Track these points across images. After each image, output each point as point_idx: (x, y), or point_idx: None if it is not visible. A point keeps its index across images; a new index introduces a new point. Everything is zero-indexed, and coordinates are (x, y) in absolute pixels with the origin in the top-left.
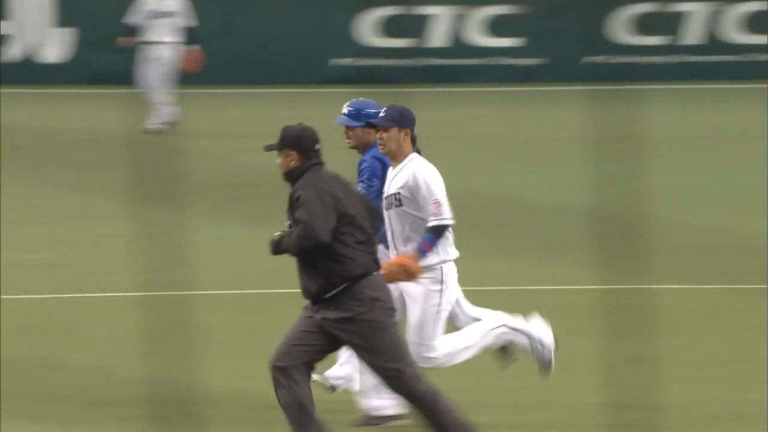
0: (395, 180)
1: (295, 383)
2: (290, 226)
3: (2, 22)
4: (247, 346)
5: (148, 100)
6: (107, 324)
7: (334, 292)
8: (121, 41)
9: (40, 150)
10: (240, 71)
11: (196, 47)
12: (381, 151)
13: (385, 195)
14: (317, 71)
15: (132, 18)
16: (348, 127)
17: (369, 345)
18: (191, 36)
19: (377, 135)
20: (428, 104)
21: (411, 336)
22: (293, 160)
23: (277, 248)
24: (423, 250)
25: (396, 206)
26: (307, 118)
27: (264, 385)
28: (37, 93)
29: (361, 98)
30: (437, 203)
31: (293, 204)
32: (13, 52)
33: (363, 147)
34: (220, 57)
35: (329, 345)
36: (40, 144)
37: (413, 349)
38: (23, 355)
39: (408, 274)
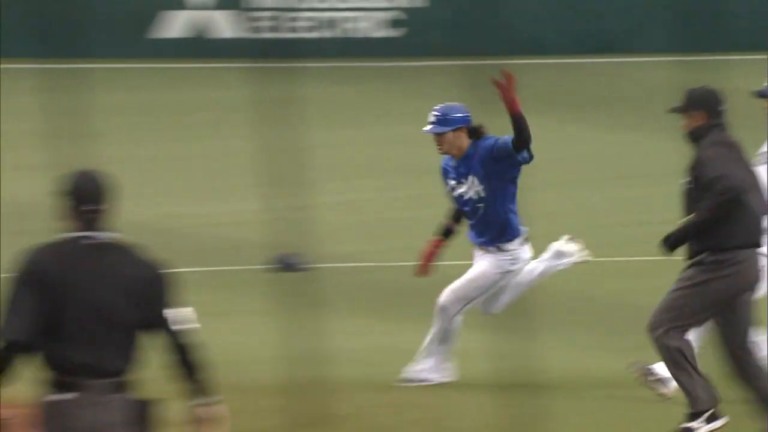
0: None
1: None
2: (687, 183)
3: None
4: None
5: None
6: None
7: (703, 255)
8: None
9: None
10: None
11: None
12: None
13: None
14: None
15: None
16: (437, 135)
17: (716, 314)
18: None
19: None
20: None
21: None
22: (697, 119)
23: (681, 234)
24: None
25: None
26: None
27: None
28: None
29: (447, 103)
30: None
31: (696, 165)
32: None
33: (459, 151)
34: None
35: None
36: None
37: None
38: None
39: None
